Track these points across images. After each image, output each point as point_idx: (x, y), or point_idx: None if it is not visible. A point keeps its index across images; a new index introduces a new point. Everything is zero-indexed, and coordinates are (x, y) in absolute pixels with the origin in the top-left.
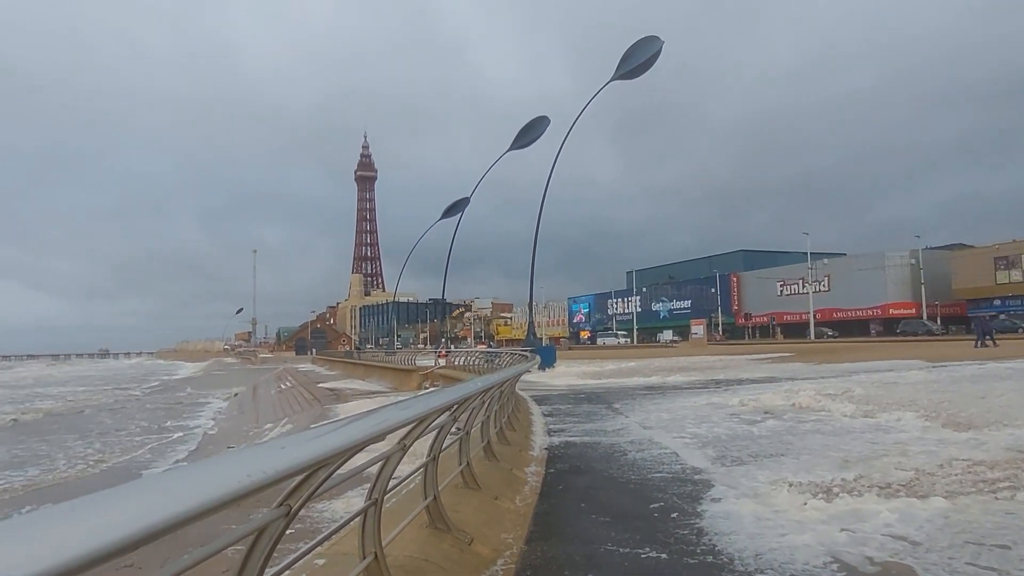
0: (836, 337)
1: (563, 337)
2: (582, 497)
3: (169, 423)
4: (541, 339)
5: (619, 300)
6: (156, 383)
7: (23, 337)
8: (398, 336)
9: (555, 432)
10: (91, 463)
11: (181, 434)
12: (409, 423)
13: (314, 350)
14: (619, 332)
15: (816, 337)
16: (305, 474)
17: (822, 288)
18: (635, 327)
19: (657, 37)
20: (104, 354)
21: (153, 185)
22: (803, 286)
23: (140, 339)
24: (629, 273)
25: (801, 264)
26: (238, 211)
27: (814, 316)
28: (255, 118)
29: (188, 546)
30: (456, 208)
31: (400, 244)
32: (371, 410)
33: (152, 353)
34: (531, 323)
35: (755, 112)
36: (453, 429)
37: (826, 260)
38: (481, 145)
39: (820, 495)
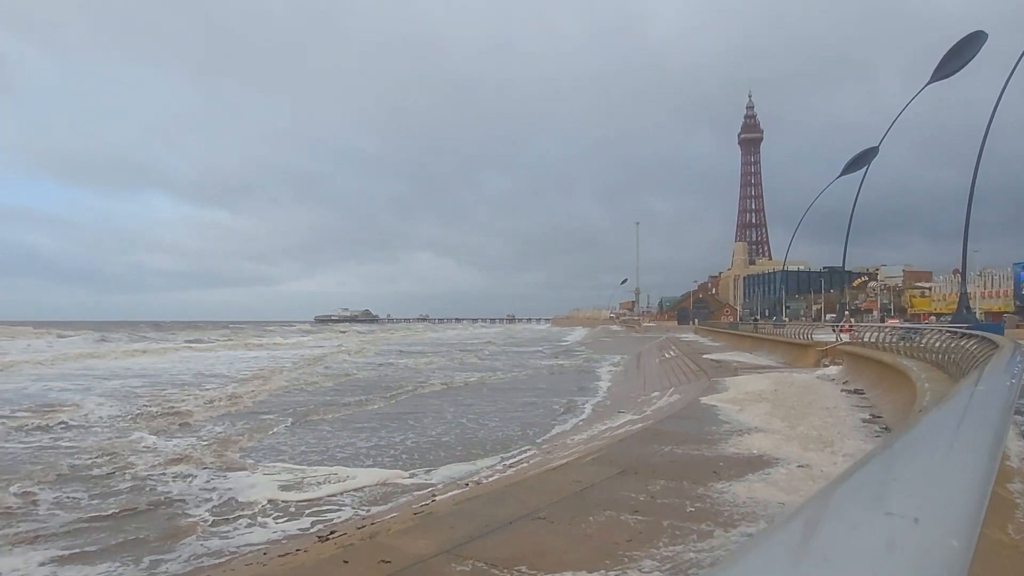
0: None
1: (1007, 312)
2: None
3: (576, 385)
4: (975, 314)
5: None
6: (559, 348)
7: (451, 304)
8: (787, 307)
9: None
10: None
11: (585, 397)
12: None
13: (696, 320)
14: None
15: None
16: None
17: None
18: None
19: None
20: (511, 319)
21: (561, 167)
22: None
23: (537, 306)
24: None
25: None
26: (630, 183)
27: None
28: (656, 84)
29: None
30: (860, 161)
31: (793, 209)
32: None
33: (548, 320)
34: (963, 293)
35: None
36: None
37: None
38: (915, 85)
39: None
